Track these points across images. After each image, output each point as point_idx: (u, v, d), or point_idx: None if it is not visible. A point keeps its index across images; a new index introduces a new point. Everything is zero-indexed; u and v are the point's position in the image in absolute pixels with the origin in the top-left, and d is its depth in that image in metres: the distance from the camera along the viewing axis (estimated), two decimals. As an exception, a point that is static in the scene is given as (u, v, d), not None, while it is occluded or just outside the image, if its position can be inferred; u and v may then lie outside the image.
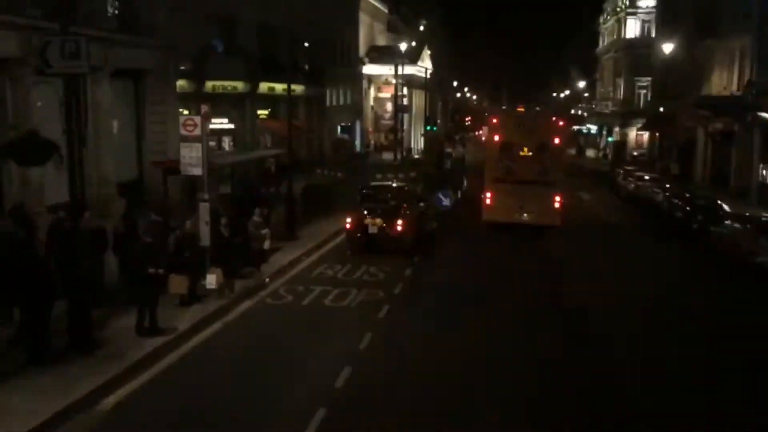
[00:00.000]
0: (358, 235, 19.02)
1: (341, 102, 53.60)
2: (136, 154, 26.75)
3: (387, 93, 62.82)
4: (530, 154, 22.55)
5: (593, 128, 75.56)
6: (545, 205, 22.26)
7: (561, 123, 24.55)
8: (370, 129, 62.36)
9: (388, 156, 52.08)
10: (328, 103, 49.93)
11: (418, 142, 63.51)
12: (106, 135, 23.22)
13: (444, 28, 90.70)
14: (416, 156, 42.95)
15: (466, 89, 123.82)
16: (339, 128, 53.07)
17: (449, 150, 46.15)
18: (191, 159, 13.95)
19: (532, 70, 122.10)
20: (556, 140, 22.94)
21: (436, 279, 17.17)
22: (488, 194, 23.49)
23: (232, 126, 37.75)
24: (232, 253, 14.54)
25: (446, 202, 25.39)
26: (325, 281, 16.25)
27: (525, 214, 22.44)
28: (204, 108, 13.86)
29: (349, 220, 19.17)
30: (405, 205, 19.27)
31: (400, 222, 18.69)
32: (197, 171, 13.99)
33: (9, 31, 18.01)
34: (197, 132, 13.86)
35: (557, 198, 22.60)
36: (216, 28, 35.51)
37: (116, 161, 24.10)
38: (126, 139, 26.03)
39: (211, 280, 13.58)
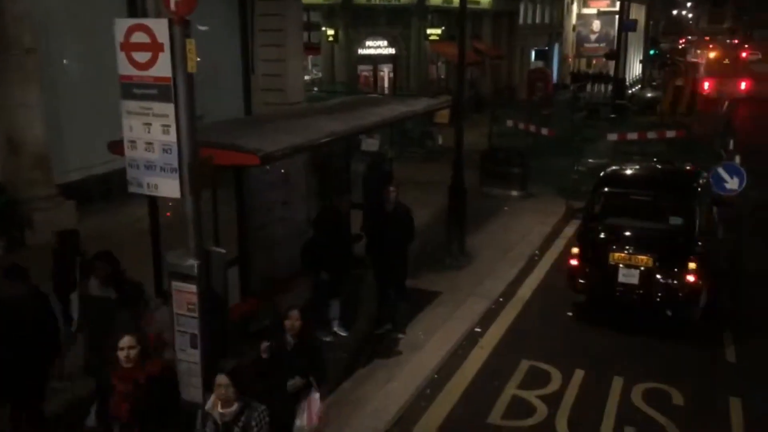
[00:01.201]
0: (593, 285, 9.02)
1: (537, 20, 42.03)
2: (243, 95, 18.23)
3: (593, 8, 50.08)
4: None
5: None
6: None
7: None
8: (570, 54, 50.12)
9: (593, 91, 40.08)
10: (521, 21, 38.73)
11: (633, 71, 50.24)
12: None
13: None
14: (648, 94, 30.93)
15: (688, 4, 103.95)
16: (533, 53, 41.77)
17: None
18: (149, 149, 4.70)
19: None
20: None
21: None
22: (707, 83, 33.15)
23: (392, 51, 28.30)
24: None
25: (734, 185, 14.37)
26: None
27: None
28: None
29: (575, 250, 9.14)
30: (695, 222, 8.85)
31: (691, 265, 8.41)
32: (169, 187, 4.72)
33: None
34: (162, 68, 4.51)
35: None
36: None
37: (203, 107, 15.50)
38: (224, 72, 17.53)
39: None
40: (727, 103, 34.93)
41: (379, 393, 7.01)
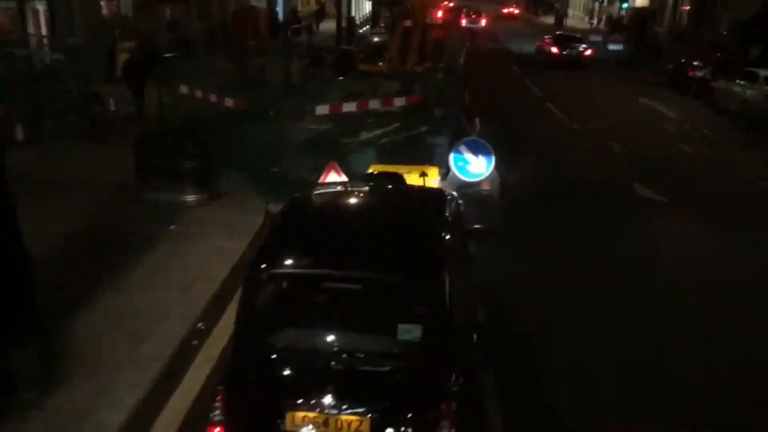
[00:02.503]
0: None
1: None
2: None
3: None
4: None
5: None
6: None
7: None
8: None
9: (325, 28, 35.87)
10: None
11: (363, 9, 46.92)
12: None
13: None
14: (375, 38, 26.75)
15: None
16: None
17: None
18: None
19: None
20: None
21: None
22: None
23: (47, -18, 20.94)
24: None
25: (480, 168, 11.07)
26: None
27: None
28: None
29: (217, 408, 4.35)
30: (448, 327, 4.40)
31: (444, 424, 4.13)
32: None
33: None
34: None
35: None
36: None
37: None
38: None
39: None
40: (464, 51, 32.73)
41: None
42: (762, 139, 17.57)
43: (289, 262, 4.66)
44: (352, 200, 5.82)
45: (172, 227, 9.87)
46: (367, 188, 5.80)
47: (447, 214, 5.56)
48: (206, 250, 9.14)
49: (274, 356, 4.44)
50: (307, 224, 5.22)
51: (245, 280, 4.66)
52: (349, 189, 5.99)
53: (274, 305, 4.69)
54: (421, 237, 4.92)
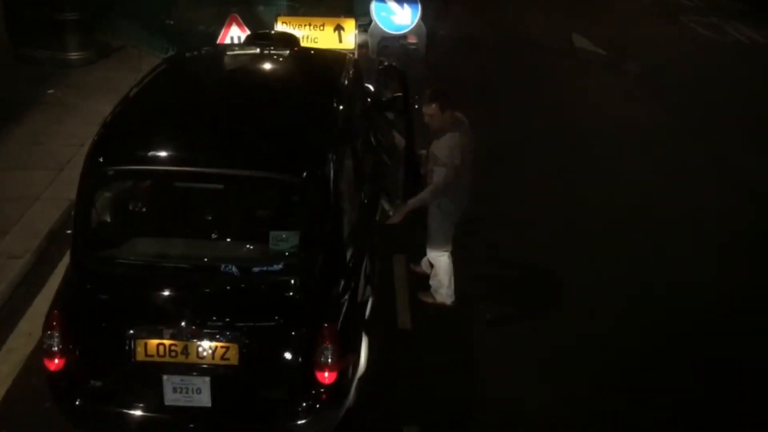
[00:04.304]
0: (107, 413, 3.64)
1: None
2: None
3: None
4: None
5: None
6: None
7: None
8: None
9: None
10: None
11: None
12: None
13: None
14: None
15: None
16: None
17: None
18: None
19: None
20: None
21: None
22: None
23: None
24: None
25: (406, 18, 10.14)
26: None
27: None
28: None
29: (53, 333, 3.53)
30: (333, 233, 3.60)
31: (324, 350, 3.48)
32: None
33: None
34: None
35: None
36: None
37: None
38: None
39: None
40: None
41: None
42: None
43: (134, 155, 3.71)
44: (227, 70, 4.80)
45: (50, 92, 8.64)
46: (247, 54, 4.75)
47: (342, 86, 4.59)
48: (88, 119, 7.95)
49: (117, 272, 3.63)
50: (162, 103, 4.22)
51: (80, 178, 3.73)
52: (229, 53, 4.94)
53: (116, 210, 3.82)
54: (302, 121, 4.00)
